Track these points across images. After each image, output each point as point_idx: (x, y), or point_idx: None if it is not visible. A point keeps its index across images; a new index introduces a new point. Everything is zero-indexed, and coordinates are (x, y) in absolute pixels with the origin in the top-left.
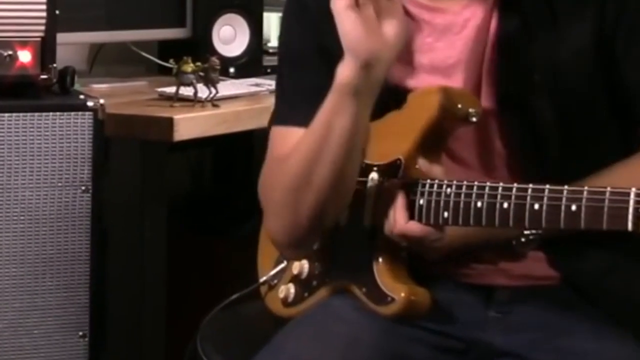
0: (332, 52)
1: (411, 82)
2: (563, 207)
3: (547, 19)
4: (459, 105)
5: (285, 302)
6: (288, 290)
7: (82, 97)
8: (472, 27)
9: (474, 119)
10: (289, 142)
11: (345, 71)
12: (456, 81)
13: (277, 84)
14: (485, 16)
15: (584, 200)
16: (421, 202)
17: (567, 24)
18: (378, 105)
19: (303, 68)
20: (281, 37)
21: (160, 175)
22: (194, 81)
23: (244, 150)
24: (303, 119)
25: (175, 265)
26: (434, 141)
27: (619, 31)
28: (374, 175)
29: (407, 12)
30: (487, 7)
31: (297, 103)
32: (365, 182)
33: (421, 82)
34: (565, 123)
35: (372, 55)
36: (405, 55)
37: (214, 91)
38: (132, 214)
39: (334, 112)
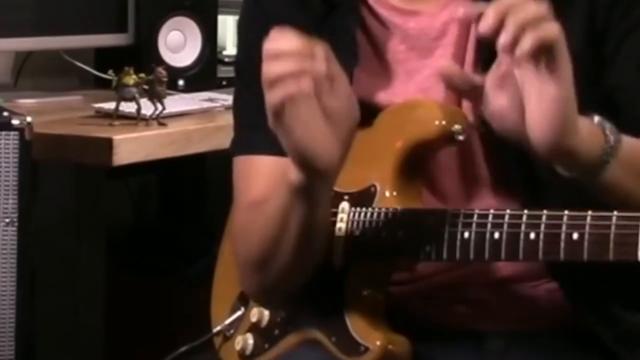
0: None
1: (383, 96)
2: (563, 236)
3: None
4: (443, 122)
5: (242, 355)
6: (246, 341)
7: (5, 114)
8: (452, 33)
9: (461, 137)
10: (254, 175)
11: (296, 178)
12: (436, 94)
13: (234, 101)
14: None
15: (587, 227)
16: (400, 234)
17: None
18: None
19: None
20: (237, 45)
21: (98, 205)
22: (137, 95)
23: (194, 177)
24: (265, 144)
25: (115, 311)
26: (414, 164)
27: (611, 29)
28: (344, 205)
29: (376, 17)
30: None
31: (257, 126)
32: (335, 214)
33: (394, 95)
34: None
35: (331, 167)
36: (376, 65)
37: (160, 107)
38: (64, 251)
39: (287, 210)
